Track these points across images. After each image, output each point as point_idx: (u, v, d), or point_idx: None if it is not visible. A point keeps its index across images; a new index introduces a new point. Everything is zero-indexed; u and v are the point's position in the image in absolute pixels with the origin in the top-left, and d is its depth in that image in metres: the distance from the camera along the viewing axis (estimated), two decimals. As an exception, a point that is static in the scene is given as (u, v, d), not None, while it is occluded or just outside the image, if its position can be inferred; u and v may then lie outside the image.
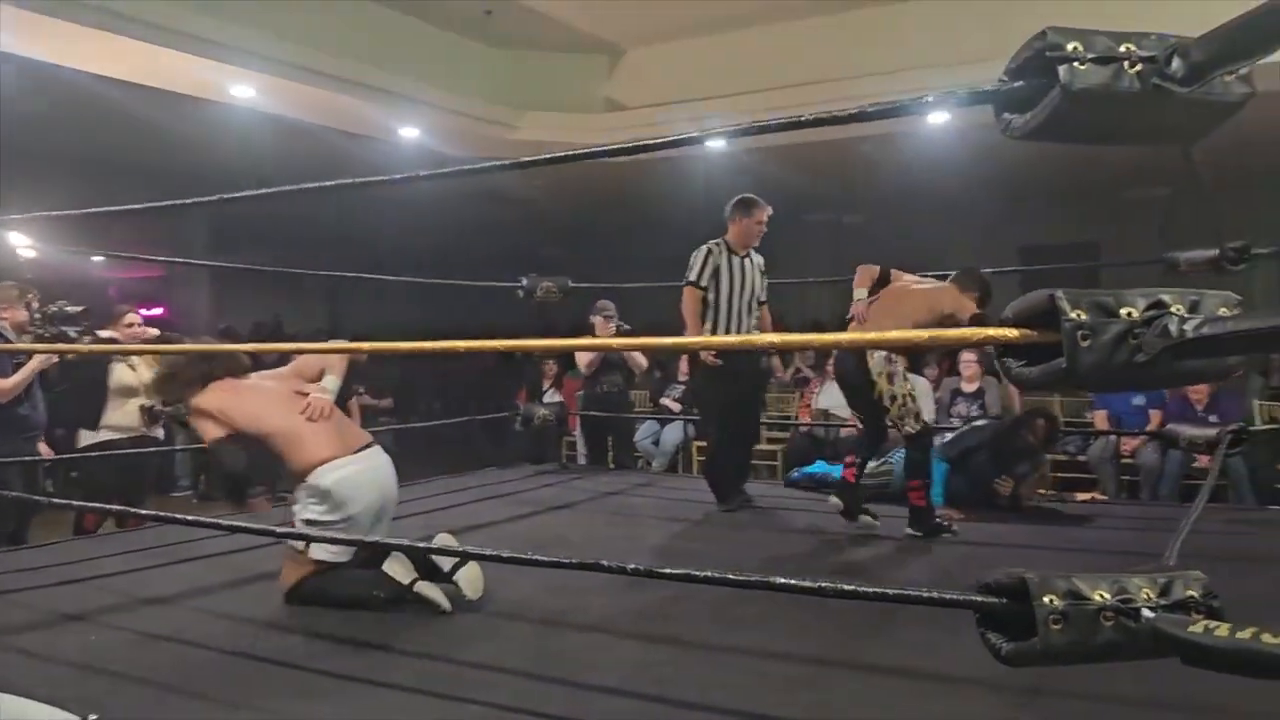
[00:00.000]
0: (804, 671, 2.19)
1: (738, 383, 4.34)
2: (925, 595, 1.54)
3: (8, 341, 3.96)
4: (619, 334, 5.98)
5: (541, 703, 1.96)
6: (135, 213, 2.61)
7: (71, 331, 4.09)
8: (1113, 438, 6.11)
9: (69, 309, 4.15)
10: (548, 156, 2.02)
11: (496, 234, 11.85)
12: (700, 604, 2.62)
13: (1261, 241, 3.72)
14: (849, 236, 11.80)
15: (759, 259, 4.40)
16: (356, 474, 2.72)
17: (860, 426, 4.15)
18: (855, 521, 3.85)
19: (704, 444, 7.47)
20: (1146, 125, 1.33)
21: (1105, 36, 1.25)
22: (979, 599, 1.42)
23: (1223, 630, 1.16)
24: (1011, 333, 1.37)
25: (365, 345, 2.85)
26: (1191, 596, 1.30)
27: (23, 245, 3.75)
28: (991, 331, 1.40)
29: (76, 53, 5.51)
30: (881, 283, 3.96)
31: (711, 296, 4.23)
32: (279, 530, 2.62)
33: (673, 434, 7.44)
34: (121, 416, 4.45)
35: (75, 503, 3.53)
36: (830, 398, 7.25)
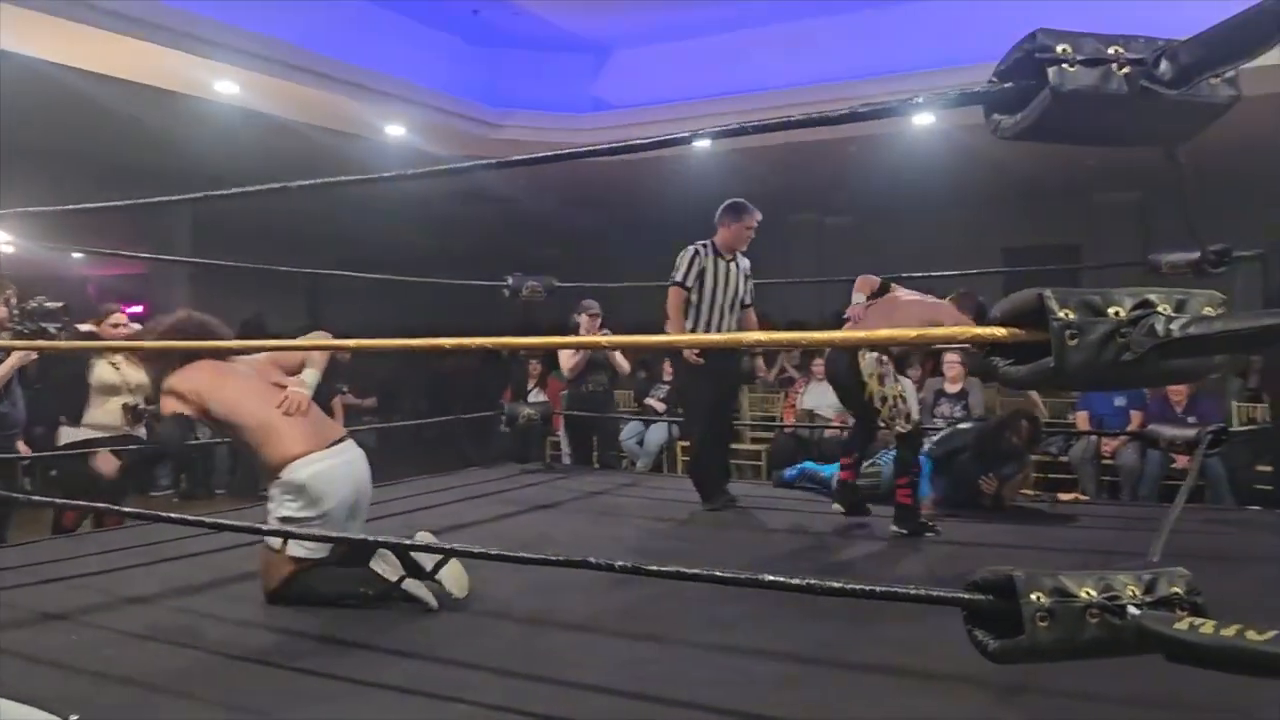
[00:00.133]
0: (791, 669, 2.20)
1: (720, 382, 4.39)
2: (913, 593, 1.54)
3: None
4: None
5: (529, 702, 1.95)
6: (116, 209, 2.58)
7: (51, 328, 4.05)
8: (1093, 438, 6.17)
9: (48, 305, 4.10)
10: (535, 156, 2.02)
11: (481, 233, 11.82)
12: (686, 602, 2.63)
13: (1242, 244, 3.77)
14: (833, 237, 11.85)
15: (745, 263, 4.44)
16: (331, 469, 2.70)
17: (850, 425, 4.19)
18: (856, 515, 3.89)
19: (687, 444, 7.51)
20: (1134, 127, 1.34)
21: (1094, 39, 1.26)
22: (966, 596, 1.42)
23: (1207, 627, 1.18)
24: (1000, 331, 1.38)
25: (351, 343, 2.82)
26: (1176, 594, 1.31)
27: (0, 241, 3.71)
28: (980, 330, 1.41)
29: (55, 47, 5.45)
30: (881, 293, 4.00)
31: (695, 297, 4.27)
32: (264, 529, 2.60)
33: (657, 434, 7.45)
34: (103, 415, 4.41)
35: (58, 500, 3.48)
36: (815, 398, 7.29)
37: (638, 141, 1.85)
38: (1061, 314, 1.27)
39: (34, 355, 4.06)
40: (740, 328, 4.41)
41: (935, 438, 4.47)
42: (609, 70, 7.79)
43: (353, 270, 5.17)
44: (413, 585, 2.58)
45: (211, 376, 2.77)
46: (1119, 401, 6.24)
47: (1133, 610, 1.28)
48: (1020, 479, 4.35)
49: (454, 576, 2.62)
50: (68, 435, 4.43)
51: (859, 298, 3.95)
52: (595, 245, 11.93)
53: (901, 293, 3.95)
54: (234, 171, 7.76)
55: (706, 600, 2.61)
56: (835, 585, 1.59)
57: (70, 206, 2.58)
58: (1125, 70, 1.24)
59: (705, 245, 4.32)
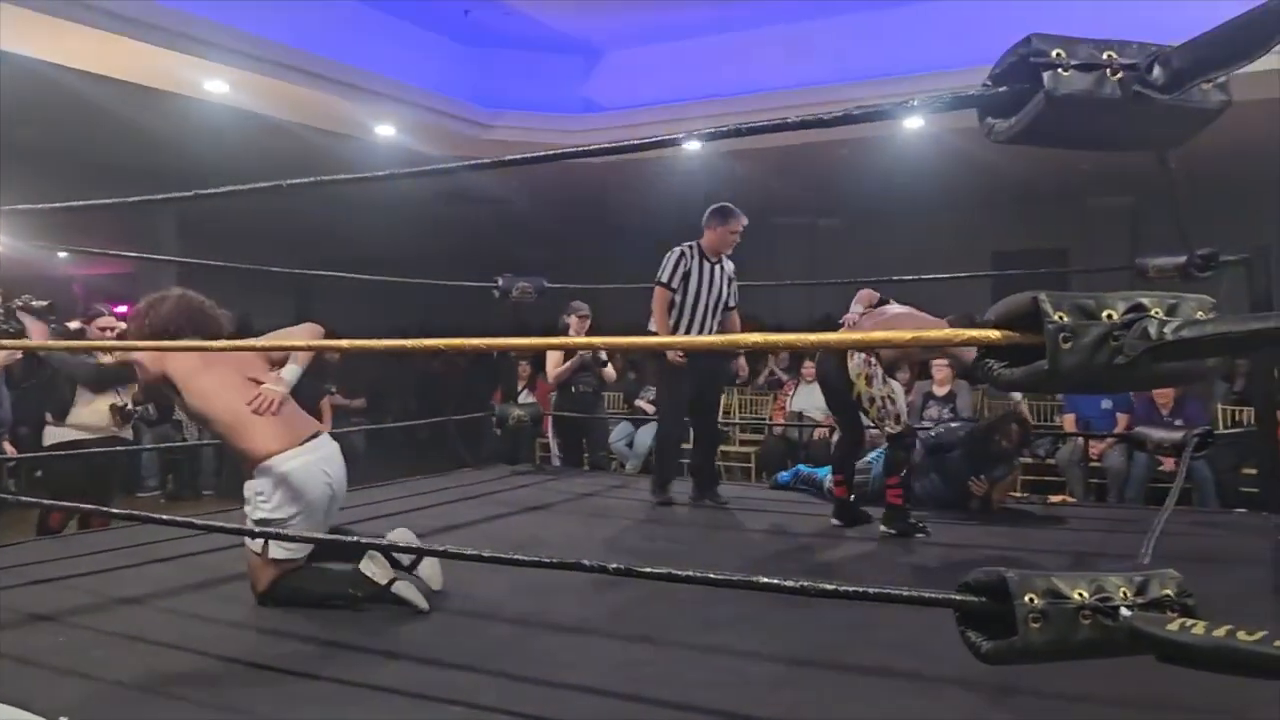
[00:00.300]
0: (784, 670, 2.20)
1: (700, 382, 4.47)
2: (906, 594, 1.55)
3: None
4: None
5: (522, 703, 1.95)
6: (103, 208, 2.56)
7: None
8: (1081, 441, 6.21)
9: (35, 304, 4.07)
10: (527, 156, 2.01)
11: (471, 234, 11.80)
12: (677, 604, 2.63)
13: (1231, 249, 3.80)
14: (823, 240, 11.88)
15: (730, 265, 4.51)
16: (303, 466, 2.66)
17: (836, 433, 4.22)
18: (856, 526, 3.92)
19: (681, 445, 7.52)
20: (1127, 131, 1.35)
21: (1088, 44, 1.27)
22: (959, 598, 1.43)
23: (1199, 628, 1.19)
24: (994, 334, 1.39)
25: (344, 343, 2.79)
26: (1167, 595, 1.32)
27: (-3, 241, 3.68)
28: (974, 333, 1.42)
29: (46, 45, 5.41)
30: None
31: (679, 298, 4.35)
32: (250, 530, 2.58)
33: (647, 436, 7.45)
34: (90, 415, 4.38)
35: (46, 501, 3.46)
36: (804, 400, 7.31)
37: (630, 143, 1.86)
38: (1056, 317, 1.28)
39: (19, 355, 4.02)
40: (724, 330, 4.48)
41: (930, 432, 4.51)
42: (600, 71, 7.79)
43: (342, 270, 5.16)
44: (403, 588, 2.56)
45: (193, 361, 2.71)
46: (1106, 404, 6.29)
47: (1125, 612, 1.29)
48: (1009, 481, 4.37)
49: (429, 574, 2.62)
50: (53, 435, 4.40)
51: (857, 309, 4.02)
52: (586, 247, 11.93)
53: (895, 307, 3.98)
54: (224, 171, 7.71)
55: (698, 601, 2.61)
56: (829, 587, 1.59)
57: (60, 204, 2.56)
58: (1118, 75, 1.25)
59: (691, 247, 4.39)
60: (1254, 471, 4.78)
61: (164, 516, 2.69)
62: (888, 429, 3.77)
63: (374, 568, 2.56)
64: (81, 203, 2.51)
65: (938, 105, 1.44)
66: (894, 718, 1.93)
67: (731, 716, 1.92)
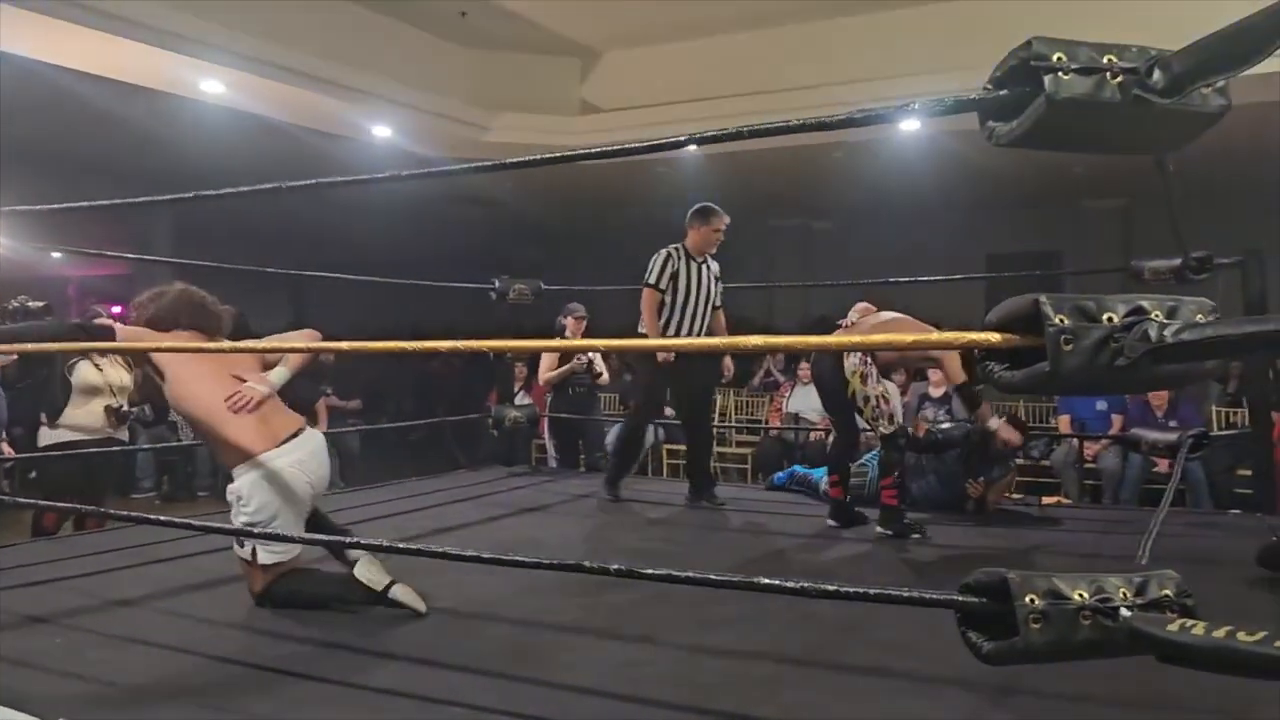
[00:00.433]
0: (782, 671, 2.21)
1: (688, 382, 4.53)
2: (907, 595, 1.55)
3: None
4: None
5: (522, 704, 1.95)
6: (100, 209, 2.55)
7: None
8: (1075, 442, 6.23)
9: (30, 305, 4.06)
10: (527, 159, 2.02)
11: (468, 235, 11.79)
12: (675, 605, 2.63)
13: (1225, 252, 3.82)
14: (818, 242, 11.90)
15: (715, 265, 4.58)
16: (280, 470, 2.61)
17: (832, 434, 4.23)
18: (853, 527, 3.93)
19: (674, 446, 7.55)
20: (1127, 135, 1.36)
21: (1088, 47, 1.27)
22: (960, 599, 1.43)
23: (1198, 629, 1.19)
24: (995, 337, 1.40)
25: (346, 345, 2.77)
26: (1166, 596, 1.33)
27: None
28: (975, 335, 1.42)
29: (38, 44, 5.39)
30: None
31: (669, 299, 4.42)
32: (246, 531, 2.57)
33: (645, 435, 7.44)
34: (84, 416, 4.37)
35: (42, 503, 3.44)
36: (800, 401, 7.32)
37: (630, 145, 1.86)
38: (1056, 320, 1.28)
39: (14, 356, 4.01)
40: (712, 329, 4.55)
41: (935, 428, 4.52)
42: (596, 73, 7.80)
43: (340, 271, 5.15)
44: (400, 592, 2.54)
45: (175, 354, 2.68)
46: (1101, 406, 6.31)
47: (1125, 612, 1.29)
48: (1005, 483, 4.38)
49: (407, 594, 2.55)
50: (48, 436, 4.39)
51: (853, 316, 4.07)
52: (582, 248, 11.93)
53: (887, 314, 4.01)
54: (219, 171, 7.69)
55: (696, 602, 2.61)
56: (830, 588, 1.60)
57: (59, 206, 2.55)
58: (1119, 79, 1.26)
59: (677, 248, 4.47)
60: (1248, 473, 4.80)
61: (160, 517, 2.68)
62: (881, 429, 3.79)
63: (370, 573, 2.54)
64: (81, 204, 2.51)
65: (939, 109, 1.44)
66: (893, 718, 1.94)
67: (731, 717, 1.92)
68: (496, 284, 5.30)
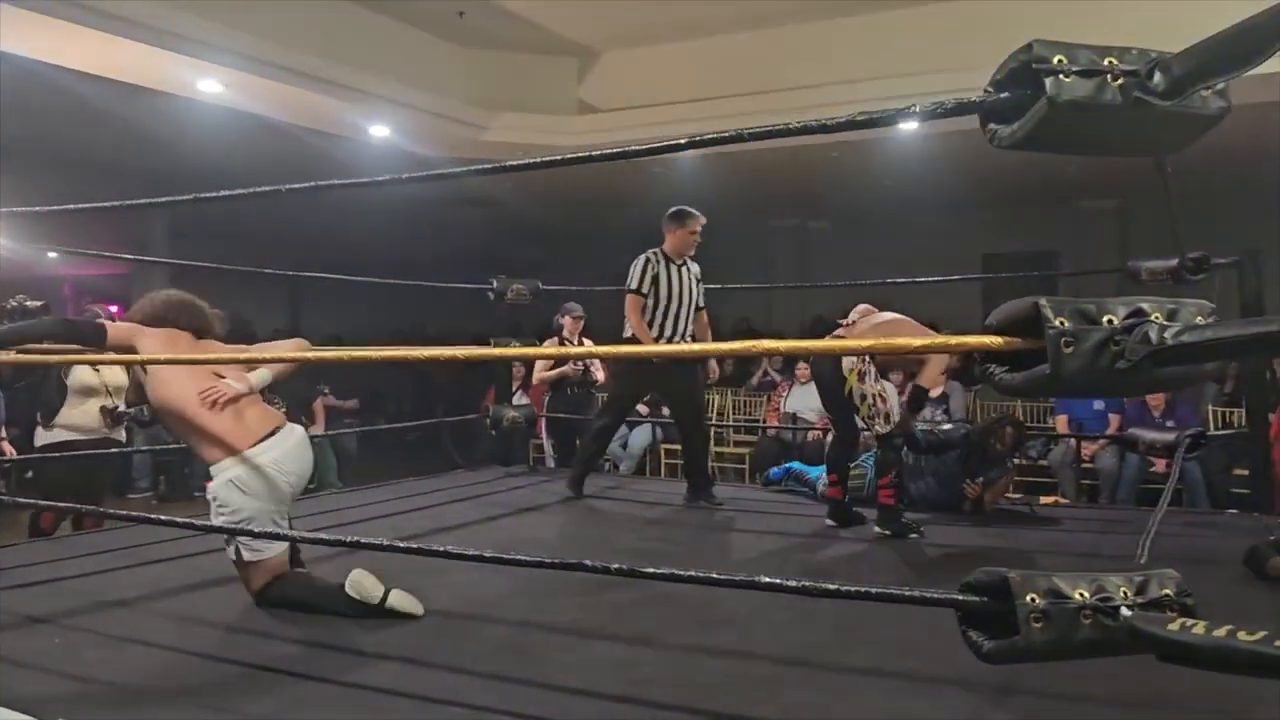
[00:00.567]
0: (782, 671, 2.21)
1: (671, 384, 4.59)
2: (908, 595, 1.56)
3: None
4: (579, 341, 6.06)
5: (521, 704, 1.95)
6: (103, 210, 2.55)
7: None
8: (1072, 442, 6.25)
9: (29, 304, 4.05)
10: (526, 162, 2.03)
11: (466, 235, 11.78)
12: (674, 605, 2.63)
13: (1221, 252, 3.84)
14: (815, 242, 11.91)
15: (695, 267, 4.64)
16: (253, 470, 2.58)
17: (830, 434, 4.25)
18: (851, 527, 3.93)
19: (672, 446, 7.56)
20: (1128, 137, 1.36)
21: (1089, 50, 1.28)
22: (961, 598, 1.44)
23: (1199, 628, 1.20)
24: (995, 340, 1.40)
25: (345, 353, 2.77)
26: (1166, 595, 1.34)
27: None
28: (976, 339, 1.43)
29: (34, 43, 5.37)
30: None
31: (651, 302, 4.47)
32: (243, 530, 2.56)
33: (640, 437, 7.46)
34: (80, 416, 4.37)
35: (41, 503, 3.44)
36: (798, 401, 7.33)
37: (630, 148, 1.86)
38: (1057, 322, 1.29)
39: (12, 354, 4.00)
40: (695, 331, 4.61)
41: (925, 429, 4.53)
42: (595, 73, 7.79)
43: (338, 271, 5.15)
44: (397, 599, 2.54)
45: (161, 343, 2.67)
46: (1098, 406, 6.32)
47: (1125, 611, 1.30)
48: (1003, 483, 4.39)
49: (404, 601, 2.55)
50: (44, 437, 4.39)
51: (854, 316, 4.07)
52: (579, 248, 11.92)
53: (887, 313, 4.02)
54: (217, 171, 7.68)
55: (695, 602, 2.62)
56: (831, 587, 1.60)
57: (58, 208, 2.55)
58: (1119, 81, 1.26)
59: (656, 252, 4.53)
60: (1245, 473, 4.81)
61: (157, 517, 2.67)
62: (877, 428, 3.80)
63: (363, 588, 2.53)
64: (80, 206, 2.51)
65: (940, 111, 1.44)
66: (893, 718, 1.94)
67: (730, 717, 1.93)
68: (494, 284, 5.30)
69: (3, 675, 2.09)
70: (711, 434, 7.74)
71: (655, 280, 4.45)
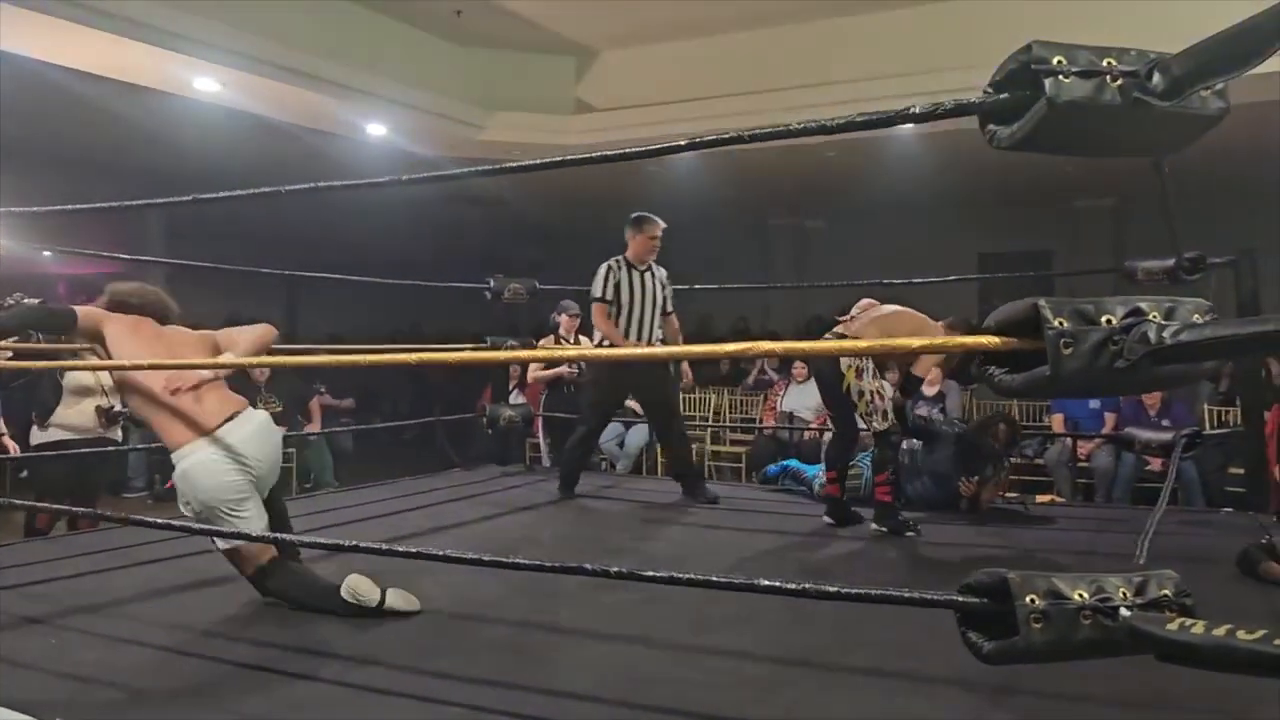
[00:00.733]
0: (780, 671, 2.21)
1: (644, 385, 4.67)
2: (908, 596, 1.56)
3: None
4: (576, 340, 6.07)
5: (520, 705, 1.95)
6: (101, 211, 2.55)
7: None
8: (1068, 441, 6.26)
9: (27, 302, 4.04)
10: (525, 164, 2.02)
11: (463, 234, 11.78)
12: (672, 605, 2.63)
13: (1217, 251, 3.85)
14: (812, 241, 11.92)
15: (661, 272, 4.70)
16: (209, 458, 2.54)
17: (830, 431, 4.25)
18: (848, 526, 3.94)
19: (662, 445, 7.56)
20: (1127, 137, 1.36)
21: (1088, 50, 1.28)
22: (961, 599, 1.44)
23: (1198, 628, 1.20)
24: (994, 340, 1.40)
25: (334, 359, 2.76)
26: (1165, 595, 1.34)
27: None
28: (974, 340, 1.43)
29: (30, 41, 5.36)
30: None
31: (614, 309, 4.53)
32: (240, 533, 2.56)
33: (637, 436, 7.45)
34: (76, 416, 4.36)
35: (37, 504, 3.43)
36: (795, 400, 7.34)
37: (632, 150, 1.85)
38: (1056, 323, 1.29)
39: (9, 354, 3.99)
40: (665, 336, 4.67)
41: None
42: (593, 72, 7.79)
43: (336, 270, 5.14)
44: (394, 599, 2.54)
45: (126, 331, 2.65)
46: (1094, 405, 6.33)
47: (1124, 612, 1.30)
48: (997, 482, 4.40)
49: (400, 600, 2.56)
50: (39, 436, 4.37)
51: (855, 312, 4.07)
52: (576, 246, 11.92)
53: (889, 306, 4.02)
54: (215, 170, 7.68)
55: (693, 602, 2.61)
56: (831, 589, 1.60)
57: (57, 208, 2.54)
58: (1118, 82, 1.26)
59: (618, 260, 4.59)
60: (1240, 471, 4.83)
61: (152, 519, 2.66)
62: (874, 425, 3.81)
63: (360, 592, 2.52)
64: (78, 206, 2.50)
65: (939, 112, 1.45)
66: (892, 718, 1.95)
67: (729, 718, 1.93)
68: (491, 284, 5.29)
69: (2, 675, 2.08)
70: (710, 434, 7.77)
71: (618, 287, 4.52)
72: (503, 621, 2.54)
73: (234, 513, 2.56)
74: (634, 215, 4.63)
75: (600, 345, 4.65)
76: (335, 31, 6.45)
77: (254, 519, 2.59)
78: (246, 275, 4.68)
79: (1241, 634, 1.14)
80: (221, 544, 2.58)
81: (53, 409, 4.34)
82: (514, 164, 2.06)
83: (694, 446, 7.54)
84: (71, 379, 4.32)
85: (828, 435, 6.26)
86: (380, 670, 2.16)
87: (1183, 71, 1.25)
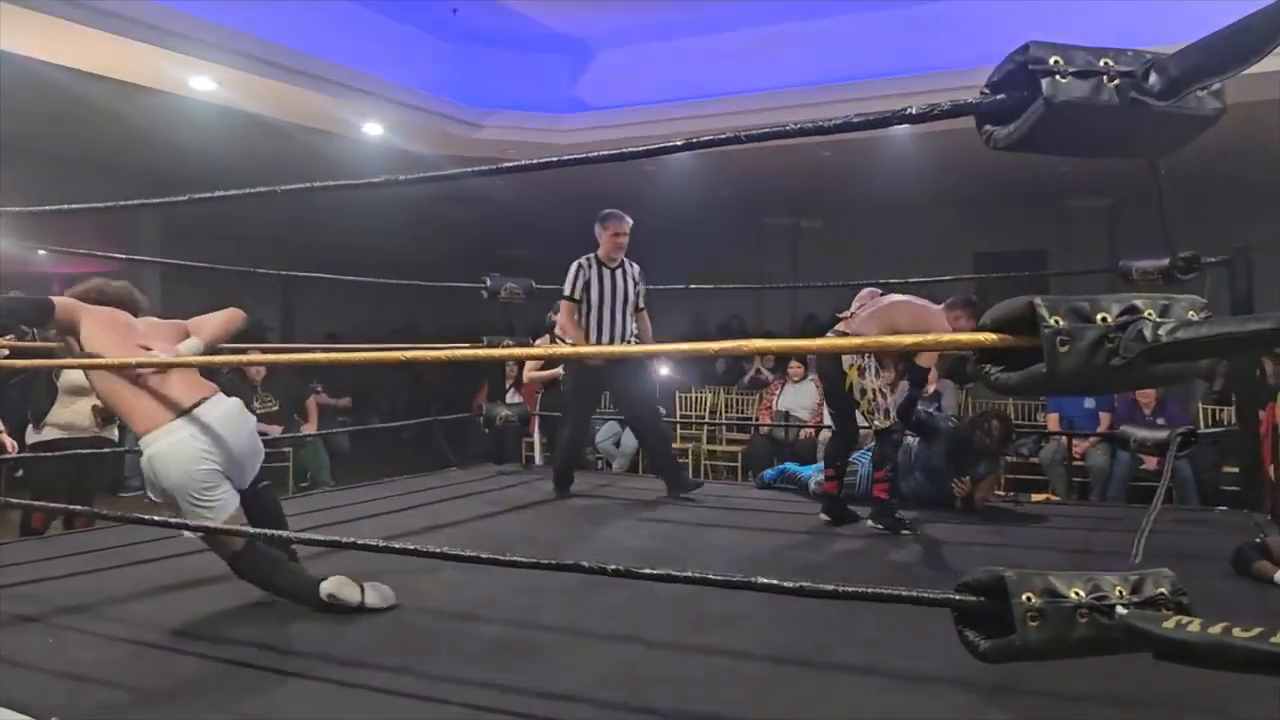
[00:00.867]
0: (776, 670, 2.22)
1: (612, 384, 4.72)
2: (904, 595, 1.56)
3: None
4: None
5: (516, 703, 1.95)
6: (99, 211, 2.54)
7: (24, 326, 3.98)
8: (1063, 440, 6.27)
9: (5, 295, 4.02)
10: (523, 164, 2.02)
11: (458, 233, 11.76)
12: (667, 603, 2.63)
13: (1209, 250, 3.86)
14: (807, 240, 11.93)
15: (635, 269, 4.73)
16: (170, 447, 2.51)
17: (829, 429, 4.25)
18: (844, 524, 3.94)
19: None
20: (1124, 138, 1.37)
21: (1084, 51, 1.28)
22: (957, 597, 1.44)
23: (1194, 626, 1.21)
24: (991, 338, 1.40)
25: (327, 357, 2.75)
26: (1161, 594, 1.34)
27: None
28: (971, 337, 1.43)
29: (26, 40, 5.34)
30: None
31: (585, 307, 4.57)
32: (235, 530, 2.55)
33: (633, 436, 7.45)
34: (72, 415, 4.35)
35: (34, 503, 3.42)
36: (790, 399, 7.34)
37: (631, 149, 1.86)
38: (1052, 321, 1.29)
39: (5, 353, 3.98)
40: (638, 333, 4.71)
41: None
42: (589, 71, 7.79)
43: (332, 269, 5.15)
44: (371, 598, 2.55)
45: (99, 323, 2.62)
46: (1089, 404, 6.35)
47: (1121, 610, 1.31)
48: (992, 480, 4.41)
49: (378, 598, 2.57)
50: (35, 436, 4.36)
51: (855, 306, 4.07)
52: (572, 245, 11.92)
53: (892, 295, 4.01)
54: (211, 168, 7.66)
55: (689, 601, 2.62)
56: (827, 587, 1.60)
57: (55, 208, 2.54)
58: (1115, 82, 1.27)
59: (589, 258, 4.64)
60: (1235, 470, 4.84)
61: (149, 517, 2.65)
62: (876, 423, 3.81)
63: (340, 595, 2.52)
64: (74, 206, 2.50)
65: (936, 113, 1.45)
66: (889, 717, 1.95)
67: (725, 716, 1.93)
68: (488, 282, 5.29)
69: (-3, 674, 2.08)
70: (705, 433, 7.77)
71: (587, 285, 4.56)
72: (499, 620, 2.54)
73: (203, 498, 2.52)
74: (601, 212, 4.67)
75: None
76: (330, 29, 6.44)
77: (226, 504, 2.56)
78: (243, 275, 4.67)
79: (1237, 632, 1.15)
80: (191, 533, 2.55)
81: (48, 409, 4.33)
82: (510, 164, 2.06)
83: (690, 446, 7.59)
84: (67, 378, 4.31)
85: (824, 434, 6.29)
86: (378, 669, 2.16)
87: (1179, 71, 1.25)
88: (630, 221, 4.62)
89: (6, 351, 3.94)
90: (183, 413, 2.56)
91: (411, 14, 6.94)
